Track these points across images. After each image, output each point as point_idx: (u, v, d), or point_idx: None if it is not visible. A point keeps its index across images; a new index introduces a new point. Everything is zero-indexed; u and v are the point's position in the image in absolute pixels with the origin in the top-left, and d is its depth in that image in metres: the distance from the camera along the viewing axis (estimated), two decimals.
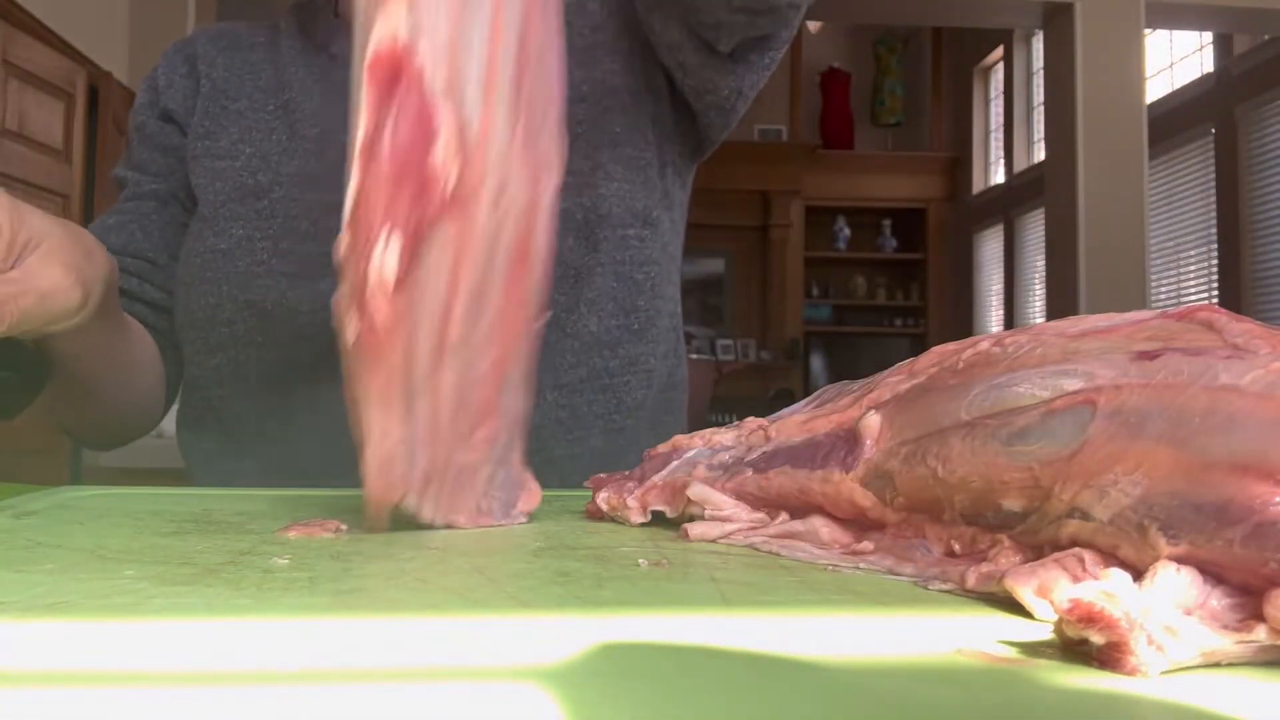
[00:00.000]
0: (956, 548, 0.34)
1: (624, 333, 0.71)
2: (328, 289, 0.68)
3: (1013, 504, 0.32)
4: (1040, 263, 6.37)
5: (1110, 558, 0.28)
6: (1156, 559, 0.26)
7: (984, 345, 0.37)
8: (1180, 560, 0.25)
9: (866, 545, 0.37)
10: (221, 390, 0.70)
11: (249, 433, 0.71)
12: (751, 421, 0.48)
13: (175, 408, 0.82)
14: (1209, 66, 5.67)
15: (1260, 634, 0.23)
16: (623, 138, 0.71)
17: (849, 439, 0.39)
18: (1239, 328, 0.29)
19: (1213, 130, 5.56)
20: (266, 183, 0.70)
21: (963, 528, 0.34)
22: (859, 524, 0.39)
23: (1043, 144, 5.78)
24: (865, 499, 0.38)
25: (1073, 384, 0.31)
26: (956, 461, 0.34)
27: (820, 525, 0.40)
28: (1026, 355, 0.34)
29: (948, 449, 0.35)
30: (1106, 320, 0.34)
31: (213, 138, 0.74)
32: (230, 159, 0.72)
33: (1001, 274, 7.46)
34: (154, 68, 0.80)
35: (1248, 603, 0.24)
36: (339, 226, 0.69)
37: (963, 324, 7.70)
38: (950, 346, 0.39)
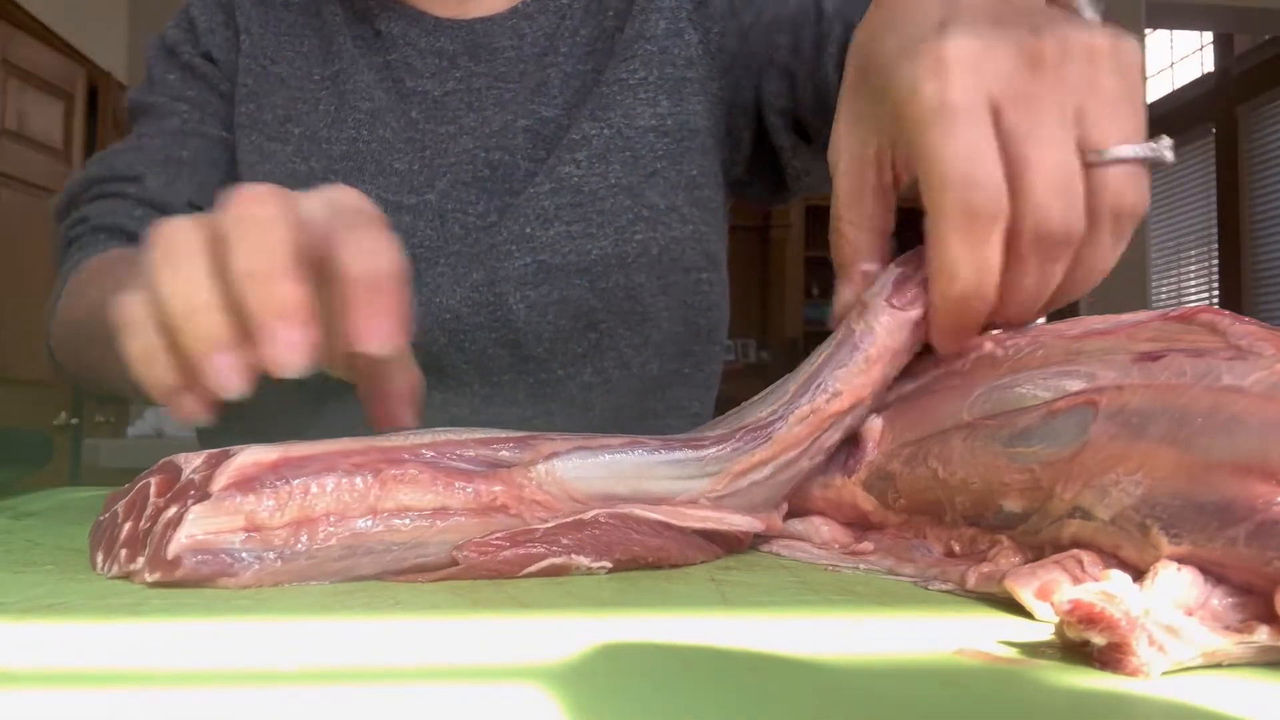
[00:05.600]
0: (956, 548, 0.34)
1: (676, 377, 0.70)
2: None
3: (1013, 505, 0.32)
4: None
5: (1111, 558, 0.28)
6: (1158, 559, 0.26)
7: (986, 347, 0.37)
8: (1182, 560, 0.25)
9: (866, 545, 0.37)
10: (254, 389, 0.68)
11: (276, 437, 0.69)
12: None
13: None
14: (1209, 66, 5.67)
15: (1262, 635, 0.23)
16: (699, 180, 0.70)
17: (850, 442, 0.39)
18: (1242, 329, 0.29)
19: (1213, 130, 5.56)
20: (320, 169, 0.66)
21: (964, 528, 0.34)
22: (860, 525, 0.39)
23: None
24: (867, 502, 0.38)
25: (1075, 385, 0.31)
26: (957, 463, 0.34)
27: (820, 525, 0.40)
28: (1028, 357, 0.34)
29: (949, 450, 0.35)
30: (1104, 322, 0.34)
31: (257, 103, 0.70)
32: (280, 141, 0.68)
33: None
34: (184, 7, 0.75)
35: (1249, 603, 0.24)
36: (401, 226, 0.65)
37: None
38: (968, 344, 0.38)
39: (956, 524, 0.35)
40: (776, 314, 6.72)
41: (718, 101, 0.71)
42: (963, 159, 0.34)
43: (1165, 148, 0.35)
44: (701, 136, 0.70)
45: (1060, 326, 0.35)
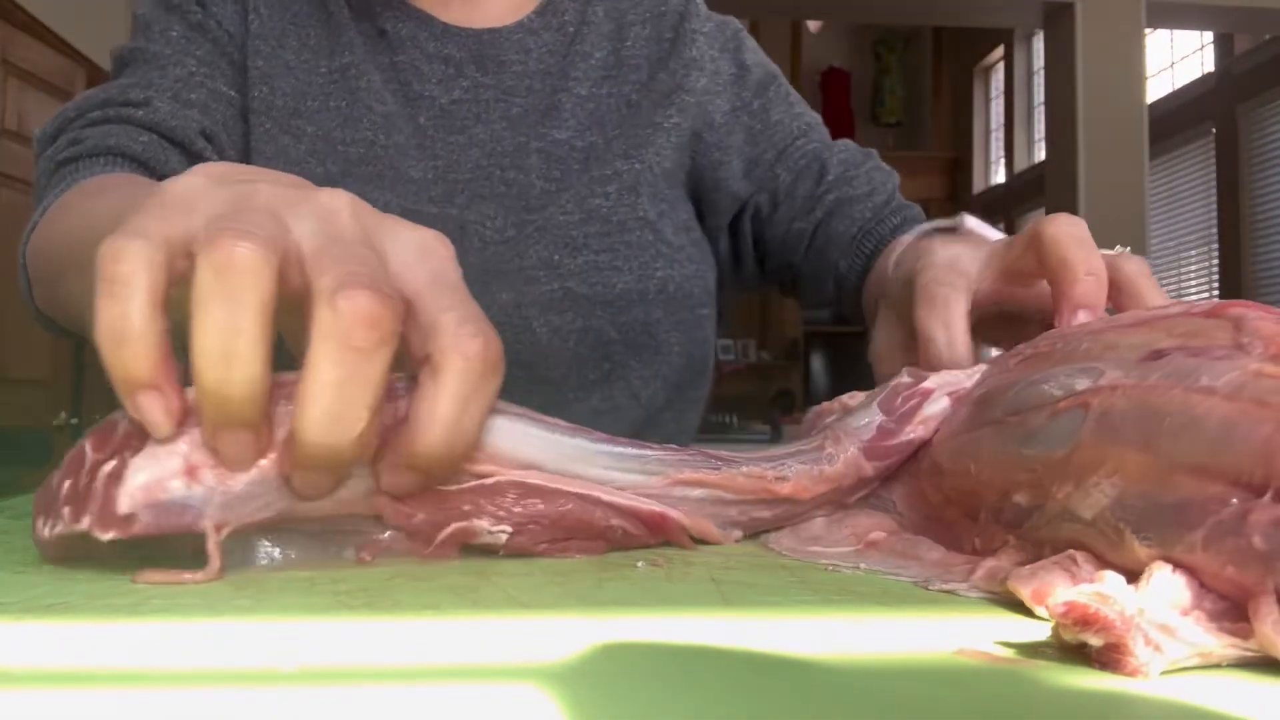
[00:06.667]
0: (978, 545, 0.34)
1: (673, 405, 0.72)
2: None
3: (1021, 500, 0.32)
4: None
5: (1100, 559, 0.28)
6: (1135, 560, 0.26)
7: (1046, 340, 0.37)
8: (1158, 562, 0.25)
9: (878, 534, 0.38)
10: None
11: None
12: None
13: None
14: (1209, 66, 5.67)
15: (1255, 640, 0.23)
16: (691, 223, 0.74)
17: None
18: (1255, 325, 0.29)
19: (1213, 130, 5.56)
20: (337, 173, 0.65)
21: (990, 525, 0.34)
22: (936, 520, 0.39)
23: (1043, 144, 5.78)
24: (934, 495, 0.38)
25: (1082, 384, 0.31)
26: (984, 460, 0.34)
27: (828, 525, 0.40)
28: (1072, 351, 0.34)
29: (978, 446, 0.35)
30: (1143, 314, 0.34)
31: (269, 86, 0.67)
32: (292, 136, 0.66)
33: None
34: None
35: (1241, 605, 0.24)
36: None
37: None
38: (1046, 335, 0.39)
39: (987, 523, 0.35)
40: (776, 314, 6.72)
41: (716, 163, 0.75)
42: None
43: None
44: (691, 184, 0.74)
45: (1121, 317, 0.35)
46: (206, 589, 0.30)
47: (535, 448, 0.36)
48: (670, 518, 0.38)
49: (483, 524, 0.35)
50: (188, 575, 0.31)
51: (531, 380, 0.65)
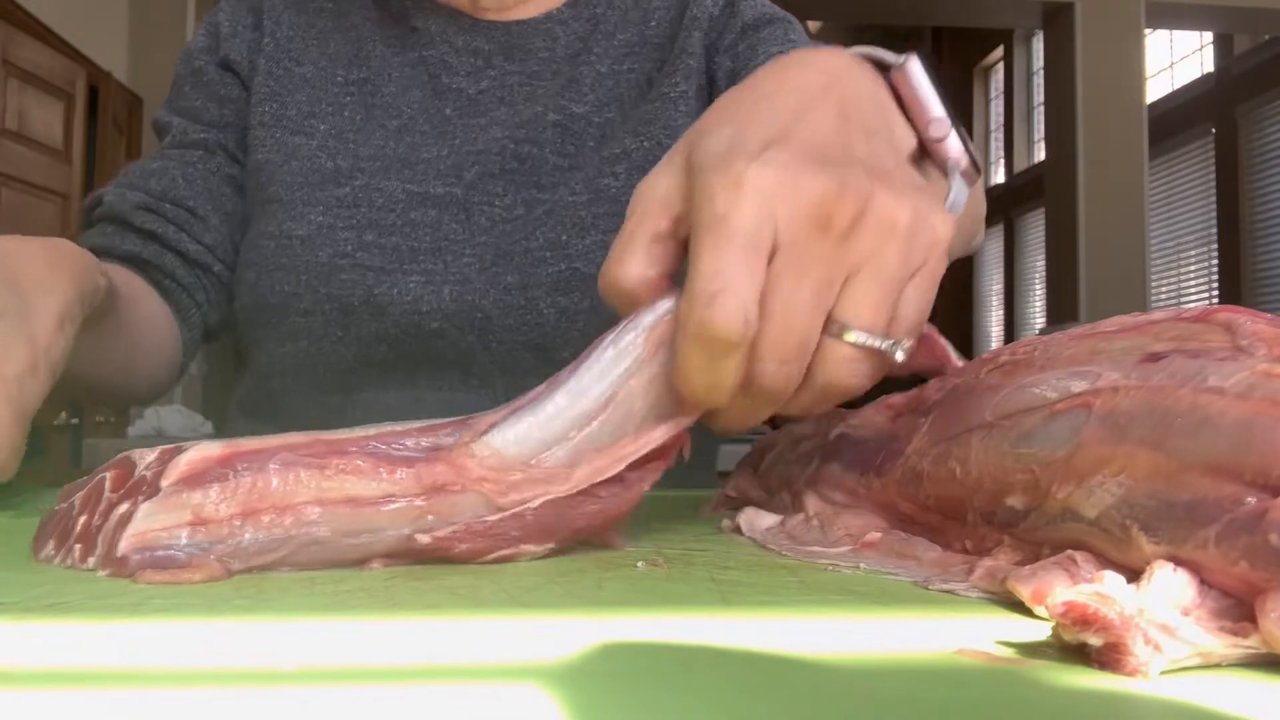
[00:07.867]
0: (969, 545, 0.34)
1: None
2: (416, 286, 0.67)
3: (1015, 502, 0.32)
4: (1040, 263, 6.38)
5: (1101, 558, 0.28)
6: (1141, 558, 0.26)
7: (1024, 347, 0.37)
8: (1164, 560, 0.25)
9: (874, 535, 0.38)
10: (284, 381, 0.69)
11: (306, 428, 0.70)
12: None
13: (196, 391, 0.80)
14: (1209, 66, 5.68)
15: (1256, 639, 0.23)
16: None
17: (884, 443, 0.40)
18: (1251, 328, 0.29)
19: (1213, 130, 5.57)
20: (347, 168, 0.67)
21: (981, 528, 0.34)
22: (908, 522, 0.39)
23: (1043, 144, 5.78)
24: (904, 504, 0.38)
25: (1079, 386, 0.31)
26: (973, 463, 0.34)
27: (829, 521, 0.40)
28: (1056, 356, 0.34)
29: (967, 450, 0.35)
30: (1127, 320, 0.34)
31: (279, 102, 0.71)
32: (305, 135, 0.69)
33: (1001, 274, 7.47)
34: (215, 10, 0.77)
35: (1243, 604, 0.24)
36: (427, 220, 0.68)
37: (962, 324, 7.70)
38: (1023, 342, 0.39)
39: (976, 525, 0.35)
40: None
41: None
42: (720, 280, 0.32)
43: (900, 348, 0.35)
44: None
45: (1104, 324, 0.35)
46: (206, 589, 0.30)
47: (536, 434, 0.36)
48: (683, 436, 0.37)
49: (529, 548, 0.35)
50: (188, 574, 0.31)
51: (544, 362, 0.65)
